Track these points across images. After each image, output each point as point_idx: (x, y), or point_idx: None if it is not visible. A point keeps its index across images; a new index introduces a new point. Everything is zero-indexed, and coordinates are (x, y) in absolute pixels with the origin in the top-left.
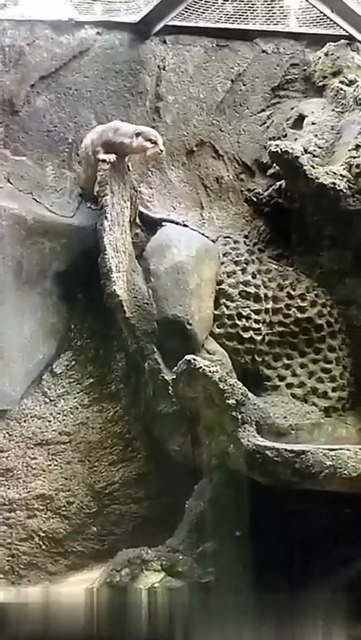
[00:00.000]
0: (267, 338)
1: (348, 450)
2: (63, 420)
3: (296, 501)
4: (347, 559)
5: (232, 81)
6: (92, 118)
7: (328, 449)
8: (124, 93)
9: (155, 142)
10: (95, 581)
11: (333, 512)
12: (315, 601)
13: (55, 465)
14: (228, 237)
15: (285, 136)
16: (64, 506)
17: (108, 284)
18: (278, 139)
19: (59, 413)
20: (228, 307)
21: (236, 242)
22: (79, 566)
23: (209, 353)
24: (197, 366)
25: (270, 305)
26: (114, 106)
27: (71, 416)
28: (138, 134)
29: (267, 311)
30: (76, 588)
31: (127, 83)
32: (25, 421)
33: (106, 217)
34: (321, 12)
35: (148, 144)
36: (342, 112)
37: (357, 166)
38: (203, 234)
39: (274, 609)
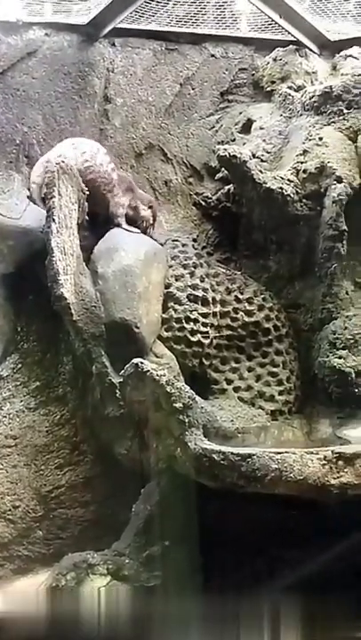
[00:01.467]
0: (215, 341)
1: (293, 453)
2: (9, 423)
3: (244, 505)
4: (295, 561)
5: (181, 84)
6: (39, 120)
7: (274, 452)
8: (72, 95)
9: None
10: (41, 585)
11: (281, 515)
12: (262, 604)
13: (0, 469)
14: (176, 241)
15: (234, 140)
16: (9, 510)
17: (56, 287)
18: (227, 143)
19: (4, 417)
20: (176, 310)
21: (184, 245)
22: (25, 570)
23: (157, 356)
24: (145, 369)
25: (218, 308)
26: (62, 108)
27: (17, 419)
28: (150, 207)
29: (215, 315)
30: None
31: (76, 85)
32: None
33: (53, 219)
34: (269, 18)
35: (151, 220)
36: (290, 117)
37: (305, 171)
38: (151, 237)
39: (221, 612)
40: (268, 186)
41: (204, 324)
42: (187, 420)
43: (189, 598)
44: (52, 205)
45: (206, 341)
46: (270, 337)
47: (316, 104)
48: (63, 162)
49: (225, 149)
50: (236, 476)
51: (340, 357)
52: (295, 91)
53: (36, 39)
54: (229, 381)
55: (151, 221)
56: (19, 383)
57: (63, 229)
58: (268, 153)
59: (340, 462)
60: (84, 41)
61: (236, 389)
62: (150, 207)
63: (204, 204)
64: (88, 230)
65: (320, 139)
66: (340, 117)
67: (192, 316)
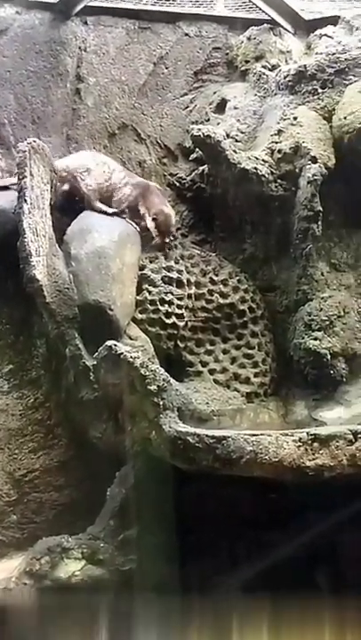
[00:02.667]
0: (189, 324)
1: (269, 435)
2: None
3: (220, 488)
4: (271, 544)
5: (154, 64)
6: (11, 99)
7: (249, 434)
8: (44, 74)
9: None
10: (15, 570)
11: (257, 498)
12: (241, 587)
13: None
14: None
15: (208, 120)
16: None
17: (28, 269)
18: (201, 123)
19: None
20: (150, 292)
21: None
22: None
23: (131, 339)
24: (119, 352)
25: (193, 290)
26: (34, 87)
27: None
28: (155, 219)
29: (189, 297)
30: None
31: (47, 63)
32: None
33: (25, 200)
34: None
35: (154, 233)
36: (265, 97)
37: (279, 151)
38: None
39: (198, 596)
40: (242, 166)
41: (179, 307)
42: (161, 403)
43: (164, 582)
44: (23, 186)
45: (181, 324)
46: (245, 319)
47: (290, 83)
48: (35, 141)
49: (199, 129)
50: (211, 459)
51: (315, 339)
52: (270, 70)
53: (7, 17)
54: (204, 364)
55: (154, 234)
56: None
57: (35, 210)
58: (242, 133)
59: (316, 444)
60: (56, 19)
61: (212, 372)
62: (155, 219)
63: (178, 184)
64: (61, 211)
65: (295, 118)
66: (315, 97)
67: (167, 299)
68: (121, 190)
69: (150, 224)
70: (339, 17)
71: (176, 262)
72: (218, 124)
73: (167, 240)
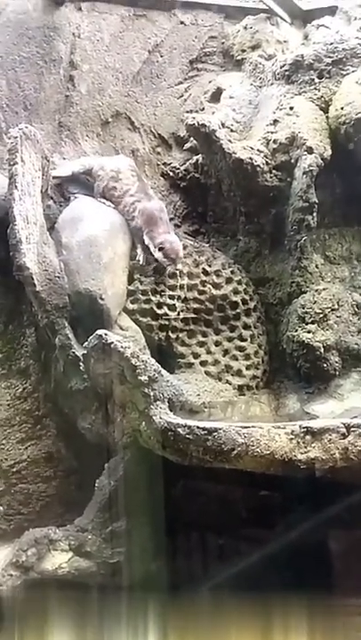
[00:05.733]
0: (181, 314)
1: (260, 427)
2: None
3: (210, 482)
4: (260, 541)
5: (149, 52)
6: (3, 85)
7: (241, 426)
8: (37, 60)
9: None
10: (0, 561)
11: (248, 493)
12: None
13: None
14: None
15: (203, 109)
16: None
17: (18, 256)
18: (196, 112)
19: None
20: (142, 282)
21: None
22: None
23: (122, 329)
24: (109, 341)
25: (185, 281)
26: (26, 73)
27: None
28: (161, 249)
29: (182, 287)
30: None
31: (40, 49)
32: None
33: (16, 186)
34: None
35: (164, 263)
36: (260, 86)
37: (275, 141)
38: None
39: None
40: (237, 156)
41: (171, 297)
42: (152, 394)
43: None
44: (14, 172)
45: (173, 314)
46: (238, 310)
47: (287, 73)
48: (26, 128)
49: (194, 118)
50: (201, 451)
51: (308, 332)
52: (266, 59)
53: (0, 2)
54: (196, 355)
55: (164, 264)
56: None
57: (26, 197)
58: (237, 122)
59: (308, 437)
60: (50, 5)
61: (203, 363)
62: (161, 249)
63: (171, 174)
64: (52, 199)
65: (291, 108)
66: (312, 87)
67: (159, 289)
68: (128, 214)
69: (158, 254)
70: (336, 7)
71: None
72: (213, 113)
73: (177, 267)
